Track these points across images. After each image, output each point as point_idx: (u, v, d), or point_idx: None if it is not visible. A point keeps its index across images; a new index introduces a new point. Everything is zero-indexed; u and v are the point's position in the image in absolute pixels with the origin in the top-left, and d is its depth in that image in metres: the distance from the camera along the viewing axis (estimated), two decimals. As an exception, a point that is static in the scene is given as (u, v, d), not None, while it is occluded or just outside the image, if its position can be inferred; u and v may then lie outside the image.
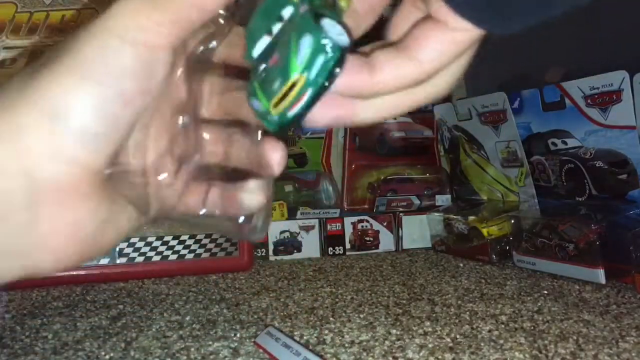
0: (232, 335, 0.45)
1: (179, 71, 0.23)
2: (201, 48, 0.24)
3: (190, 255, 0.66)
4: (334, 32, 0.20)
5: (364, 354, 0.40)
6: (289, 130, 0.22)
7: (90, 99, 0.20)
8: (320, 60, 0.20)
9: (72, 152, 0.21)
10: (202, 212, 0.26)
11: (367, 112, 0.22)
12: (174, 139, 0.24)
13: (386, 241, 0.79)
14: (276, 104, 0.21)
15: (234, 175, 0.26)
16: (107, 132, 0.21)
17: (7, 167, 0.20)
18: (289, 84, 0.21)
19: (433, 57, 0.21)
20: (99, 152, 0.21)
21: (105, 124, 0.21)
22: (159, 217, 0.25)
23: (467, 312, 0.49)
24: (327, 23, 0.20)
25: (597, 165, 0.60)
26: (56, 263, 0.22)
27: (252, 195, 0.25)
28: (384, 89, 0.21)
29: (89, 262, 0.26)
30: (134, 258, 0.64)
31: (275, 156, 0.26)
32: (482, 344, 0.41)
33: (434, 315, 0.48)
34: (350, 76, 0.21)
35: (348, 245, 0.77)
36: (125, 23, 0.20)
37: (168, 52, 0.21)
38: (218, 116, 0.27)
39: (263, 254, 0.74)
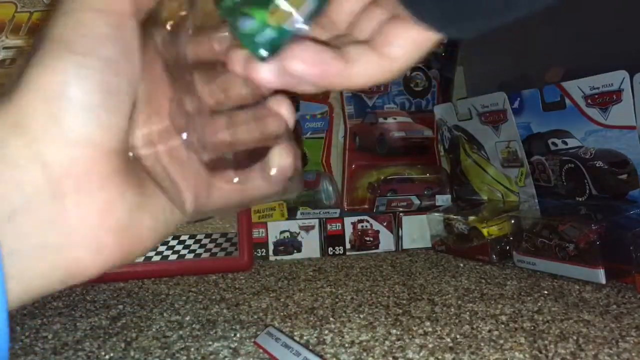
0: (232, 335, 0.45)
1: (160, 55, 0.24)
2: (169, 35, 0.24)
3: (190, 255, 0.66)
4: None
5: (364, 354, 0.40)
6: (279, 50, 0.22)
7: (80, 71, 0.21)
8: None
9: (79, 131, 0.21)
10: (236, 180, 0.25)
11: (359, 77, 0.23)
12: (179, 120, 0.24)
13: (386, 241, 0.79)
14: (275, 11, 0.21)
15: (250, 159, 0.27)
16: (106, 104, 0.21)
17: (20, 158, 0.20)
18: None
19: (403, 54, 0.23)
20: (106, 128, 0.21)
21: (102, 95, 0.21)
22: (198, 209, 0.25)
23: (467, 312, 0.49)
24: None
25: (597, 165, 0.60)
26: (96, 256, 0.22)
27: (278, 155, 0.26)
28: (357, 83, 0.23)
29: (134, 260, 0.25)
30: (134, 258, 0.64)
31: (283, 107, 0.26)
32: (482, 344, 0.41)
33: (434, 315, 0.48)
34: (328, 65, 0.22)
35: (348, 245, 0.77)
36: None
37: (133, 19, 0.22)
38: (212, 107, 0.27)
39: (263, 254, 0.74)
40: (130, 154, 0.23)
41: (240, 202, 0.27)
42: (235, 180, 0.25)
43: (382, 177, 0.83)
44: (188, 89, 0.25)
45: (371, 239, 0.78)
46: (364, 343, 0.42)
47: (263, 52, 0.22)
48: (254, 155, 0.26)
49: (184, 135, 0.24)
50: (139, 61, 0.22)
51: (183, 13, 0.24)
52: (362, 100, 0.86)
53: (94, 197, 0.21)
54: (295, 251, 0.75)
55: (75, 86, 0.20)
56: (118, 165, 0.22)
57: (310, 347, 0.42)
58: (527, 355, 0.39)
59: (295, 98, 0.82)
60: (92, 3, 0.21)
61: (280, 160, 0.26)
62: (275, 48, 0.22)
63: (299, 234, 0.75)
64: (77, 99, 0.20)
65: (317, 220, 0.77)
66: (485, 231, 0.68)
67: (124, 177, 0.22)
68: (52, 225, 0.21)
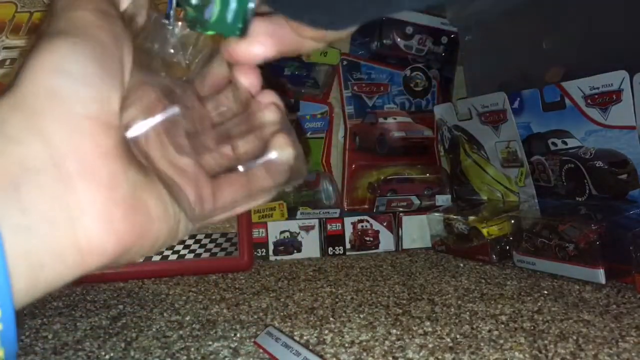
0: (232, 335, 0.45)
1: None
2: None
3: (190, 255, 0.66)
4: None
5: (364, 354, 0.40)
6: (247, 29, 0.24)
7: (76, 47, 0.22)
8: None
9: (77, 104, 0.21)
10: (241, 168, 0.26)
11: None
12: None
13: (386, 241, 0.79)
14: None
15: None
16: (101, 75, 0.22)
17: (19, 132, 0.20)
18: None
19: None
20: (104, 101, 0.22)
21: (96, 67, 0.22)
22: (204, 212, 0.25)
23: (467, 312, 0.49)
24: None
25: (597, 165, 0.60)
26: (108, 230, 0.22)
27: (277, 144, 0.26)
28: (307, 47, 0.27)
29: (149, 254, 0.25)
30: (134, 258, 0.64)
31: (271, 98, 0.27)
32: (482, 344, 0.41)
33: (434, 315, 0.48)
34: (286, 32, 0.25)
35: (348, 245, 0.77)
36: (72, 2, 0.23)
37: (115, 16, 0.24)
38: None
39: (263, 254, 0.74)
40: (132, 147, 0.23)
41: (247, 196, 0.27)
42: (241, 168, 0.26)
43: (382, 177, 0.83)
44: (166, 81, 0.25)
45: (371, 239, 0.78)
46: (364, 343, 0.42)
47: (239, 26, 0.24)
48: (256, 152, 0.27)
49: (173, 109, 0.24)
50: (127, 47, 0.24)
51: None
52: (362, 100, 0.86)
53: (98, 170, 0.21)
54: (295, 251, 0.75)
55: (71, 60, 0.21)
56: (118, 141, 0.22)
57: (310, 347, 0.42)
58: (527, 355, 0.39)
59: (294, 98, 0.82)
60: (76, 4, 0.23)
61: (280, 148, 0.26)
62: (245, 20, 0.24)
63: (299, 234, 0.76)
64: (73, 71, 0.21)
65: (317, 220, 0.77)
66: (485, 231, 0.68)
67: (126, 153, 0.23)
68: (59, 199, 0.20)
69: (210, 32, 0.25)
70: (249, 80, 0.27)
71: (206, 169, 0.26)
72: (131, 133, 0.23)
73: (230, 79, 0.27)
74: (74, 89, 0.21)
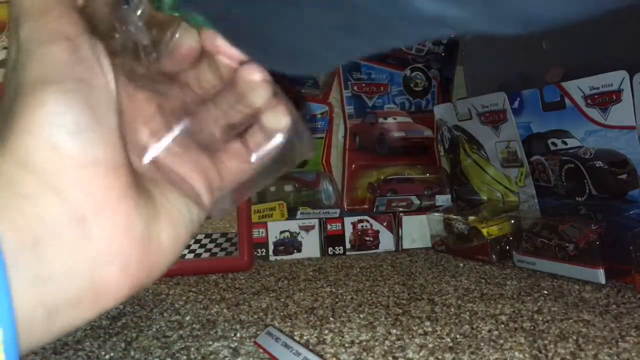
0: (232, 335, 0.45)
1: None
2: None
3: (191, 255, 0.66)
4: None
5: (364, 354, 0.40)
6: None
7: (59, 96, 0.21)
8: None
9: (79, 153, 0.21)
10: (254, 158, 0.26)
11: None
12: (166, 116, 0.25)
13: (386, 241, 0.79)
14: None
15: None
16: (94, 119, 0.21)
17: (34, 192, 0.20)
18: None
19: None
20: (102, 144, 0.22)
21: (87, 111, 0.21)
22: (215, 198, 0.25)
23: (467, 312, 0.49)
24: None
25: (597, 165, 0.60)
26: (124, 274, 0.22)
27: (272, 115, 0.26)
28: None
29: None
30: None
31: (255, 73, 0.26)
32: (482, 344, 0.41)
33: (434, 315, 0.48)
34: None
35: (348, 245, 0.77)
36: (41, 34, 0.22)
37: (84, 36, 0.23)
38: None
39: (263, 254, 0.74)
40: (135, 164, 0.23)
41: (253, 175, 0.27)
42: (253, 158, 0.26)
43: (382, 177, 0.83)
44: (162, 88, 0.25)
45: (371, 239, 0.78)
46: (364, 343, 0.42)
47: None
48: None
49: (178, 127, 0.24)
50: (109, 71, 0.23)
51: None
52: (362, 100, 0.86)
53: (114, 214, 0.22)
54: (295, 251, 0.75)
55: (62, 113, 0.21)
56: (127, 179, 0.22)
57: (310, 347, 0.42)
58: (527, 355, 0.39)
59: (300, 97, 0.82)
60: (40, 37, 0.22)
61: (274, 119, 0.26)
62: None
63: (299, 234, 0.76)
64: (68, 124, 0.21)
65: (317, 220, 0.77)
66: (485, 231, 0.68)
67: (135, 190, 0.23)
68: (78, 248, 0.21)
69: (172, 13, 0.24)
70: (227, 56, 0.26)
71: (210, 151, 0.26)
72: (147, 159, 0.23)
73: (202, 51, 0.26)
74: (74, 142, 0.21)
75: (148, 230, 0.23)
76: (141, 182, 0.24)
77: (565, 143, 0.64)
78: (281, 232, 0.75)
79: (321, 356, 0.40)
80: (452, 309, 0.50)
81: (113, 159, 0.22)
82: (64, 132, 0.21)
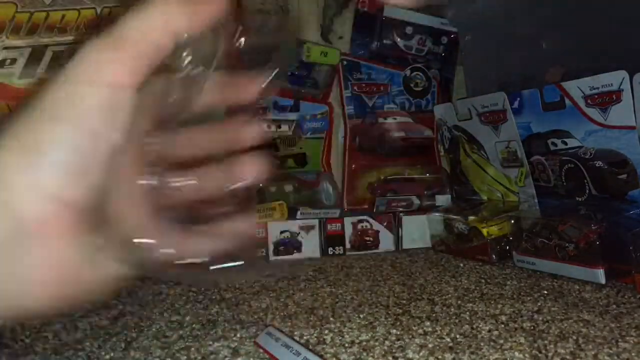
0: (232, 335, 0.45)
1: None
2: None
3: (190, 255, 0.66)
4: None
5: (364, 354, 0.40)
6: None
7: (62, 136, 0.21)
8: None
9: (50, 186, 0.21)
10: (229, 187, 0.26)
11: None
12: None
13: (386, 241, 0.79)
14: None
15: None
16: (80, 165, 0.21)
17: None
18: None
19: None
20: (80, 188, 0.22)
21: (75, 157, 0.21)
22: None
23: (467, 312, 0.49)
24: None
25: (597, 165, 0.60)
26: (43, 306, 0.23)
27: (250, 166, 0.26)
28: None
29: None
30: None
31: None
32: (482, 344, 0.41)
33: (434, 315, 0.48)
34: None
35: (348, 245, 0.77)
36: (90, 68, 0.22)
37: (131, 90, 0.22)
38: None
39: (263, 254, 0.74)
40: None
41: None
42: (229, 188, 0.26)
43: (382, 177, 0.83)
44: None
45: (371, 239, 0.78)
46: (364, 343, 0.42)
47: None
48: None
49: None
50: (124, 129, 0.22)
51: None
52: (362, 100, 0.86)
53: (54, 249, 0.22)
54: (295, 251, 0.75)
55: (55, 148, 0.21)
56: (85, 223, 0.22)
57: (310, 347, 0.42)
58: (526, 355, 0.39)
59: (294, 98, 0.82)
60: (87, 74, 0.22)
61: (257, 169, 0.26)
62: None
63: (299, 234, 0.75)
64: (53, 158, 0.21)
65: (317, 220, 0.77)
66: (485, 231, 0.68)
67: (87, 234, 0.22)
68: (8, 276, 0.21)
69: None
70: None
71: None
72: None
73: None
74: (48, 173, 0.21)
75: (79, 273, 0.23)
76: (98, 220, 0.23)
77: (565, 143, 0.64)
78: (281, 232, 0.75)
79: (321, 356, 0.40)
80: (452, 309, 0.50)
81: (77, 202, 0.22)
82: (42, 161, 0.21)
